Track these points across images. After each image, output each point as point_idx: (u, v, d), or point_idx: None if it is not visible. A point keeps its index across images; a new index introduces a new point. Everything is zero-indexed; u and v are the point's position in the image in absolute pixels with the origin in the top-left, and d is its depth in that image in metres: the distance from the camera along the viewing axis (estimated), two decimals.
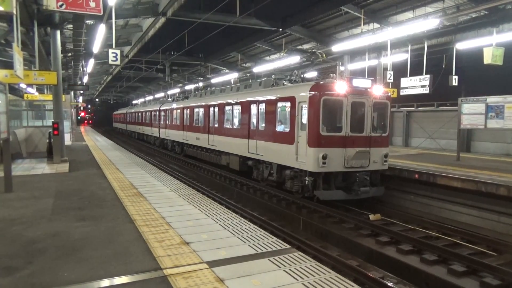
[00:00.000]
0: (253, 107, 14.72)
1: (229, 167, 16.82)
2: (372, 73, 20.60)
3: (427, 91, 17.20)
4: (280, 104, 13.12)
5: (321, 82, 11.77)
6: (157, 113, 29.67)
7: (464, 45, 16.86)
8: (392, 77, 18.54)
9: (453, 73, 18.54)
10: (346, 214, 11.20)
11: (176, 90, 42.31)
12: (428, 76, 17.37)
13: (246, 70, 31.11)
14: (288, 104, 12.51)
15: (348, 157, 11.38)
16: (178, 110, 24.40)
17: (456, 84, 18.52)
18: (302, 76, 13.75)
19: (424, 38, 18.01)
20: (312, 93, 11.28)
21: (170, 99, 31.63)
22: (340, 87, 11.29)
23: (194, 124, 21.38)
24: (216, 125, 18.28)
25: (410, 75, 18.41)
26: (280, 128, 12.99)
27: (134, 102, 66.46)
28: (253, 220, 10.72)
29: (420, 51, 18.77)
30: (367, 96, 11.77)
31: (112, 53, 11.96)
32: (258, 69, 26.26)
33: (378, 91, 11.96)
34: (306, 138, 11.35)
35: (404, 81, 18.19)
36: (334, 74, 12.89)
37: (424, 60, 18.18)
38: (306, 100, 11.44)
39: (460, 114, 14.94)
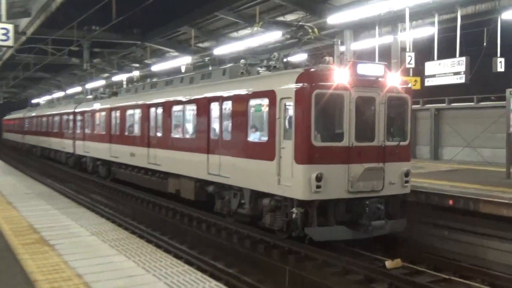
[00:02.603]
0: (214, 107, 14.79)
1: (180, 196, 16.82)
2: (385, 55, 21.13)
3: (463, 80, 17.78)
4: (253, 102, 13.19)
5: (312, 69, 11.94)
6: (71, 117, 29.26)
7: None
8: (413, 61, 19.08)
9: (498, 54, 19.21)
10: (353, 260, 11.29)
11: (100, 83, 41.82)
12: (464, 59, 17.98)
13: (204, 52, 31.19)
14: (265, 101, 12.63)
15: (353, 178, 11.53)
16: (103, 113, 24.30)
17: (503, 69, 19.17)
18: (285, 60, 13.94)
19: (457, 4, 18.68)
20: (300, 85, 11.42)
21: (90, 97, 31.16)
22: (339, 76, 11.49)
23: (126, 134, 21.38)
24: (159, 134, 18.27)
25: (438, 58, 19.00)
26: (254, 137, 13.09)
27: (35, 101, 65.49)
28: (216, 275, 10.63)
29: (451, 24, 19.42)
30: (378, 89, 12.01)
31: (1, 28, 11.88)
32: (221, 50, 26.30)
33: (393, 81, 12.24)
34: (292, 151, 11.45)
35: (430, 67, 18.75)
36: (331, 58, 13.06)
37: (457, 36, 18.77)
38: (291, 95, 11.57)
39: (509, 112, 15.47)
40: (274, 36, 21.59)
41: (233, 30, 27.95)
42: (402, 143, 12.41)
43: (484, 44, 20.71)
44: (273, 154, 12.00)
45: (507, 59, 19.66)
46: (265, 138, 12.49)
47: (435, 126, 24.58)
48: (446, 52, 19.83)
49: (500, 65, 18.97)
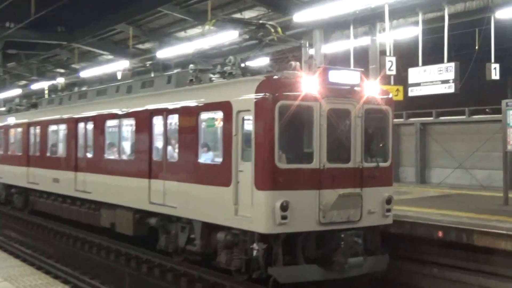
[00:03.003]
0: (158, 122, 14.80)
1: (116, 230, 16.66)
2: (361, 60, 21.48)
3: (452, 90, 18.23)
4: (205, 116, 13.25)
5: (275, 77, 12.09)
6: None
7: (509, 12, 18.16)
8: (394, 67, 19.49)
9: (492, 59, 19.70)
10: None
11: (15, 93, 41.14)
12: (453, 65, 18.45)
13: (145, 55, 31.02)
14: (219, 115, 12.72)
15: (326, 206, 11.62)
16: (19, 129, 24.00)
17: (498, 77, 19.60)
18: (243, 65, 14.05)
19: (444, 1, 19.19)
20: (261, 95, 11.54)
21: (3, 109, 30.61)
22: (308, 85, 11.65)
23: (48, 155, 21.12)
24: (90, 155, 18.12)
25: (424, 64, 19.49)
26: (206, 157, 13.11)
27: None
28: None
29: (438, 24, 19.91)
30: (353, 100, 12.23)
31: None
32: (166, 53, 26.36)
33: (372, 90, 12.48)
34: (252, 175, 11.49)
35: (414, 74, 19.19)
36: (298, 63, 13.24)
37: (445, 38, 19.26)
38: (251, 107, 11.67)
39: (506, 127, 15.90)
40: (230, 36, 21.74)
41: (180, 29, 28.04)
42: (382, 165, 12.63)
43: (476, 47, 21.33)
44: (229, 179, 12.02)
45: (502, 65, 20.13)
46: (219, 159, 12.50)
47: (421, 144, 25.04)
48: (433, 56, 20.36)
49: (495, 72, 19.33)
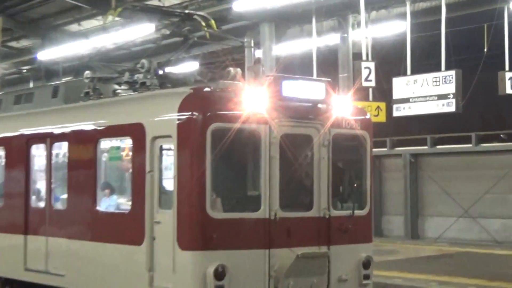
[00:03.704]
0: (37, 152, 14.67)
1: None
2: (328, 65, 21.63)
3: (453, 109, 18.59)
4: (106, 144, 13.22)
5: (207, 89, 12.08)
6: None
7: None
8: (373, 76, 19.73)
9: (506, 67, 20.23)
10: None
11: None
12: (453, 73, 18.84)
13: (20, 57, 30.42)
14: (126, 142, 12.70)
15: (278, 272, 11.55)
16: None
17: None
18: (160, 73, 14.02)
19: None
20: (187, 114, 11.48)
21: None
22: (253, 101, 11.64)
23: None
24: None
25: (413, 71, 19.89)
26: (107, 203, 13.02)
27: None
28: None
29: (432, 17, 20.34)
30: (316, 122, 12.30)
31: None
32: (51, 54, 26.48)
33: (342, 108, 12.55)
34: (174, 229, 11.39)
35: (400, 86, 19.41)
36: (239, 69, 13.27)
37: (442, 37, 19.68)
38: (172, 132, 11.60)
39: None
40: (143, 31, 21.73)
41: (72, 20, 27.83)
42: (358, 213, 12.66)
43: (485, 50, 21.71)
44: (140, 234, 11.90)
45: None
46: (127, 207, 12.42)
47: (411, 183, 25.32)
48: (426, 62, 20.67)
49: (510, 83, 19.79)
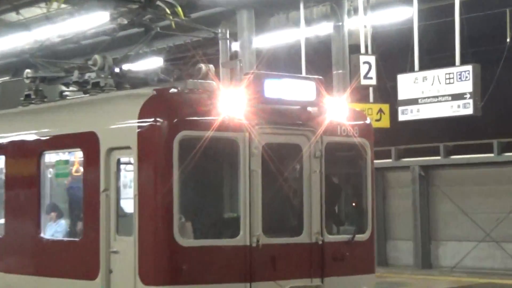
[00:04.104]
0: None
1: None
2: (320, 60, 21.66)
3: (470, 111, 18.67)
4: (50, 158, 13.24)
5: (173, 90, 12.18)
6: None
7: None
8: (374, 73, 19.80)
9: None
10: None
11: None
12: (470, 68, 18.91)
13: None
14: (76, 155, 12.74)
15: None
16: None
17: None
18: (117, 71, 14.00)
19: None
20: (149, 121, 11.54)
21: None
22: (229, 104, 11.70)
23: None
24: None
25: (422, 67, 20.06)
26: (54, 229, 13.01)
27: None
28: None
29: (444, 1, 20.46)
30: (306, 128, 12.41)
31: None
32: None
33: (336, 112, 12.69)
34: (136, 259, 11.44)
35: (407, 84, 19.47)
36: (212, 66, 13.31)
37: (455, 24, 19.71)
38: (132, 142, 11.64)
39: None
40: (95, 21, 21.67)
41: (10, 8, 27.77)
42: (358, 237, 12.75)
43: (507, 40, 21.89)
44: (95, 266, 11.90)
45: None
46: (77, 233, 12.41)
47: (422, 201, 25.44)
48: (437, 55, 20.74)
49: None
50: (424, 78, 19.34)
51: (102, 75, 13.69)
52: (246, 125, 11.72)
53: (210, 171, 11.92)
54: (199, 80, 12.51)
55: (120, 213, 11.82)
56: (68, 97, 14.20)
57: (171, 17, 14.84)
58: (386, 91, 20.46)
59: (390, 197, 26.18)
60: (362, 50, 20.33)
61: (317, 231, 12.26)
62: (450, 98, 18.84)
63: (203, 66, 12.88)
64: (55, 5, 21.03)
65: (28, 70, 15.21)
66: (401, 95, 19.63)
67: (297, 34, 22.78)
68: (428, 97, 19.18)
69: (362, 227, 12.95)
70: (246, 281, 11.56)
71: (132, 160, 11.66)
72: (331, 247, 12.37)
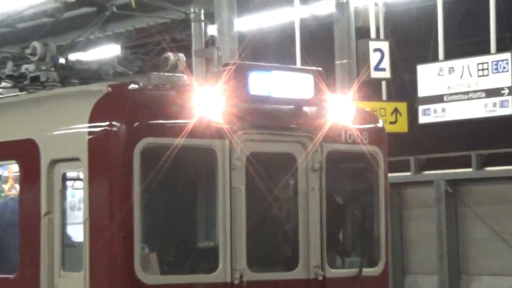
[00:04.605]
0: None
1: None
2: (318, 48, 21.70)
3: (509, 110, 18.68)
4: None
5: (133, 86, 12.10)
6: None
7: None
8: (387, 62, 19.89)
9: None
10: None
11: None
12: (508, 56, 18.93)
13: None
14: (10, 169, 12.85)
15: None
16: None
17: None
18: (62, 61, 13.98)
19: None
20: (103, 125, 11.54)
21: None
22: (204, 103, 11.72)
23: None
24: None
25: (448, 55, 20.18)
26: None
27: None
28: None
29: None
30: (301, 133, 12.46)
31: None
32: None
33: (339, 113, 12.74)
34: None
35: (429, 76, 19.49)
36: (182, 55, 13.33)
37: (490, 4, 19.83)
38: (81, 153, 11.63)
39: None
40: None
41: None
42: (368, 272, 12.82)
43: None
44: None
45: None
46: (12, 269, 12.43)
47: (449, 225, 25.50)
48: (466, 40, 20.79)
49: None
50: (451, 70, 19.37)
51: (43, 67, 13.70)
52: (226, 130, 11.73)
53: (180, 188, 11.91)
54: (167, 73, 12.50)
55: (66, 243, 11.82)
56: None
57: None
58: (403, 86, 20.54)
59: (408, 220, 26.22)
60: (373, 34, 20.41)
61: (316, 264, 12.30)
62: (483, 94, 18.89)
63: (171, 55, 12.89)
64: None
65: None
66: (422, 91, 19.67)
67: (290, 14, 22.86)
68: (456, 94, 19.23)
69: (373, 259, 12.99)
70: None
71: (81, 175, 11.65)
72: (334, 285, 12.41)
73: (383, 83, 20.43)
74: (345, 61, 21.76)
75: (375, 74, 19.84)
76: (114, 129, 11.38)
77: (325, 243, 12.36)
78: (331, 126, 12.48)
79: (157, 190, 11.45)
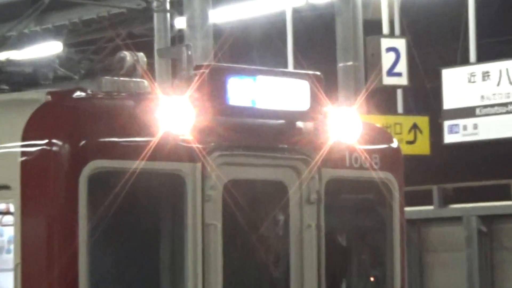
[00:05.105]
0: None
1: None
2: (315, 46, 21.80)
3: None
4: None
5: (78, 94, 12.07)
6: None
7: None
8: (404, 65, 19.99)
9: None
10: None
11: None
12: None
13: None
14: None
15: None
16: None
17: None
18: None
19: None
20: (40, 144, 11.50)
21: None
22: (169, 116, 11.69)
23: None
24: None
25: (479, 57, 20.02)
26: None
27: None
28: None
29: None
30: (293, 156, 12.49)
31: None
32: None
33: (343, 130, 12.75)
34: None
35: (455, 83, 19.64)
36: (139, 55, 13.30)
37: None
38: (11, 179, 11.64)
39: None
40: None
41: None
42: None
43: None
44: None
45: None
46: None
47: (483, 271, 25.65)
48: (503, 38, 20.94)
49: None
50: (485, 75, 19.45)
51: None
52: (198, 150, 11.71)
53: (139, 225, 11.82)
54: (122, 78, 12.47)
55: None
56: None
57: None
58: (424, 96, 20.65)
59: (431, 266, 26.33)
60: (385, 30, 20.54)
61: None
62: None
63: (127, 55, 12.86)
64: None
65: None
66: (448, 103, 19.76)
67: (280, 2, 23.04)
68: (492, 105, 19.30)
69: None
70: None
71: (11, 208, 11.62)
72: None
73: (399, 92, 20.54)
74: (350, 63, 21.77)
75: (388, 80, 19.91)
76: (54, 148, 11.32)
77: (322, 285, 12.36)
78: (332, 147, 12.46)
79: (108, 227, 11.39)
